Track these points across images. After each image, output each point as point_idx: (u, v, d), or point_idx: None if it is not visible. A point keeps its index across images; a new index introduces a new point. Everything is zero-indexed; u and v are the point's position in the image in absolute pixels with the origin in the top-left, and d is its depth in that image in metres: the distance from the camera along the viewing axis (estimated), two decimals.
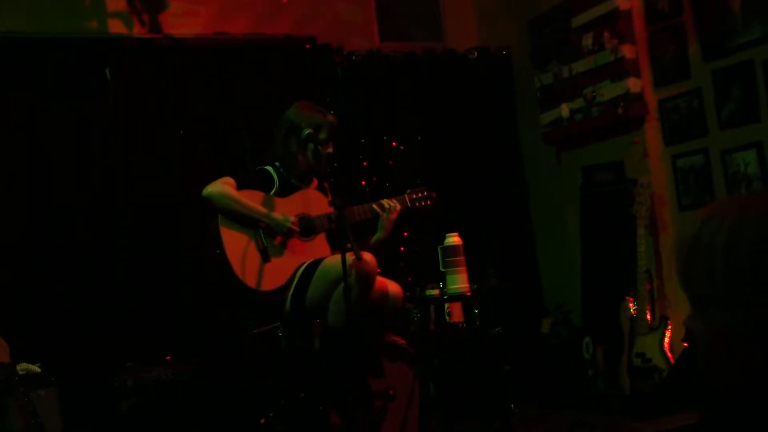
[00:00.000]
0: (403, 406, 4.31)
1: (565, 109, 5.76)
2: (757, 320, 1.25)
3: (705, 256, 1.29)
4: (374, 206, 4.25)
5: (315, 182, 4.41)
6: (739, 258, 1.26)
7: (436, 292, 4.16)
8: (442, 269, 4.11)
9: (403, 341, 4.46)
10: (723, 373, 1.33)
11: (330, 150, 4.31)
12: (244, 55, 5.51)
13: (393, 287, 4.15)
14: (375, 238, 4.27)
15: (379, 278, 4.02)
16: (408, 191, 4.40)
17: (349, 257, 3.70)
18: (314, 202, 4.29)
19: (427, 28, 6.36)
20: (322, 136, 4.25)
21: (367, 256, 3.88)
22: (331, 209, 4.13)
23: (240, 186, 4.18)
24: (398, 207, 4.28)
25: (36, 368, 4.16)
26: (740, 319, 1.27)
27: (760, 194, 1.33)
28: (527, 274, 6.18)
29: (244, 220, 4.12)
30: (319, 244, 4.25)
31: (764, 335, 1.25)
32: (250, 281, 4.04)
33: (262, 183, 4.26)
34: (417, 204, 4.38)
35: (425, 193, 4.41)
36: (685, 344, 4.71)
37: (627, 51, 5.32)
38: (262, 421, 4.15)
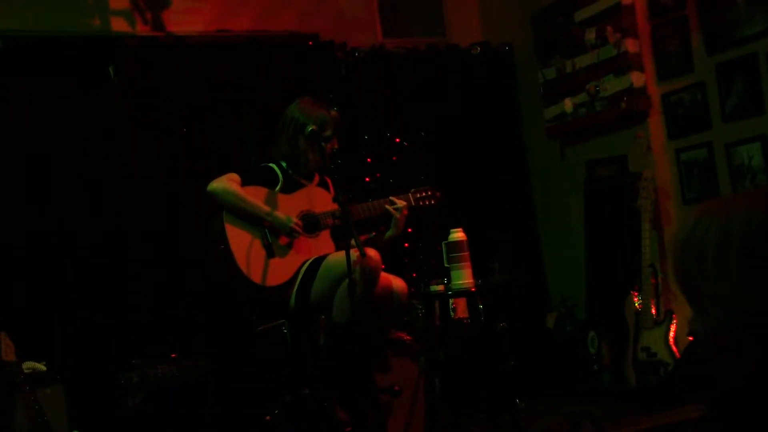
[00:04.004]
0: (408, 401, 4.31)
1: (568, 104, 5.75)
2: (753, 316, 1.27)
3: (697, 256, 1.31)
4: (387, 206, 4.25)
5: (317, 178, 4.42)
6: (730, 256, 1.28)
7: (440, 287, 4.16)
8: (446, 265, 4.10)
9: (408, 337, 4.46)
10: (724, 369, 1.35)
11: (335, 146, 4.31)
12: (247, 52, 5.51)
13: (398, 283, 4.15)
14: (387, 235, 4.28)
15: (383, 274, 4.02)
16: (412, 190, 4.40)
17: (354, 253, 3.70)
18: (318, 198, 4.30)
19: (429, 23, 6.36)
20: (328, 132, 4.24)
21: (372, 252, 3.88)
22: (335, 206, 4.13)
23: (245, 182, 4.19)
24: (405, 204, 4.28)
25: (42, 366, 4.17)
26: (736, 315, 1.28)
27: (748, 192, 1.36)
28: (532, 269, 6.18)
29: (249, 218, 4.12)
30: (324, 241, 4.25)
31: (760, 331, 1.27)
32: (255, 277, 4.05)
33: (266, 179, 4.26)
34: (421, 203, 4.38)
35: (429, 193, 4.41)
36: (690, 338, 4.71)
37: (630, 45, 5.32)
38: (268, 418, 4.15)
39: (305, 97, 4.42)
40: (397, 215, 4.24)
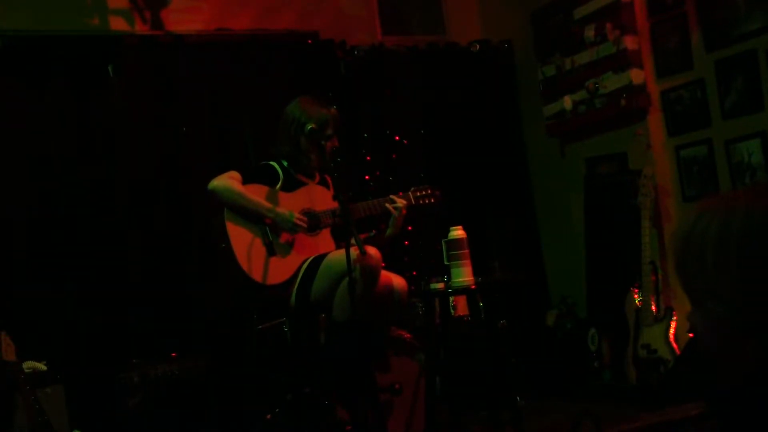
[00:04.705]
0: (409, 400, 4.31)
1: (568, 102, 5.75)
2: (750, 312, 1.28)
3: (698, 252, 1.32)
4: (387, 205, 4.26)
5: (317, 177, 4.42)
6: (729, 252, 1.29)
7: (440, 285, 4.16)
8: (446, 262, 4.10)
9: (408, 335, 4.46)
10: (722, 364, 1.36)
11: (335, 144, 4.31)
12: (246, 51, 5.51)
13: (398, 281, 4.15)
14: (386, 234, 4.29)
15: (384, 272, 4.02)
16: (412, 189, 4.40)
17: (354, 252, 3.70)
18: (318, 197, 4.30)
19: (429, 21, 6.35)
20: (328, 131, 4.25)
21: (372, 251, 3.88)
22: (335, 204, 4.13)
23: (246, 180, 4.19)
24: (405, 203, 4.28)
25: (42, 366, 4.17)
26: (733, 311, 1.29)
27: (750, 189, 1.36)
28: (532, 267, 6.18)
29: (250, 215, 4.12)
30: (324, 239, 4.25)
31: (757, 327, 1.28)
32: (256, 275, 4.05)
33: (267, 178, 4.26)
34: (421, 202, 4.38)
35: (429, 191, 4.41)
36: (690, 335, 4.71)
37: (629, 42, 5.31)
38: (268, 416, 4.15)
39: (305, 96, 4.41)
40: (396, 214, 4.24)
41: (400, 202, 4.26)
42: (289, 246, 4.17)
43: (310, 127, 4.17)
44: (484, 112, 6.25)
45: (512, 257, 5.83)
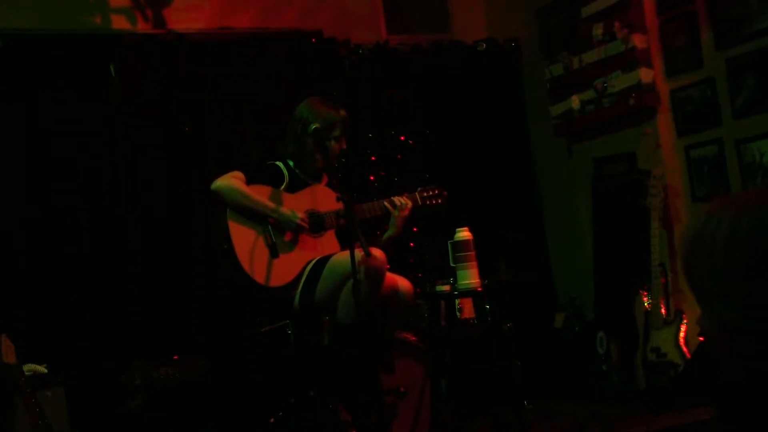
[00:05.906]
0: (414, 402, 4.27)
1: (575, 101, 5.70)
2: (757, 315, 1.26)
3: (707, 253, 1.30)
4: (386, 203, 4.22)
5: (325, 179, 4.38)
6: (738, 254, 1.27)
7: (446, 287, 4.12)
8: (452, 264, 4.07)
9: (413, 338, 4.42)
10: (729, 367, 1.35)
11: (343, 147, 4.28)
12: (249, 50, 5.47)
13: (403, 283, 4.11)
14: (386, 235, 4.26)
15: (389, 274, 3.98)
16: (419, 189, 4.37)
17: (359, 253, 3.65)
18: (323, 198, 4.26)
19: (434, 20, 6.31)
20: (336, 132, 4.22)
21: (377, 252, 3.83)
22: (339, 205, 4.09)
23: (249, 180, 4.16)
24: (409, 204, 4.24)
25: (42, 369, 4.16)
26: (740, 314, 1.28)
27: (760, 190, 1.35)
28: (539, 268, 6.13)
29: (253, 215, 4.08)
30: (329, 241, 4.22)
31: (764, 330, 1.26)
32: (259, 277, 4.01)
33: (271, 178, 4.24)
34: (428, 202, 4.35)
35: (436, 192, 4.38)
36: (701, 338, 4.65)
37: (638, 40, 5.26)
38: (272, 420, 4.12)
39: (315, 96, 4.40)
40: (396, 214, 4.19)
41: (406, 203, 4.22)
42: (293, 247, 4.13)
43: (314, 126, 4.16)
44: (490, 112, 6.20)
45: (519, 258, 5.77)
